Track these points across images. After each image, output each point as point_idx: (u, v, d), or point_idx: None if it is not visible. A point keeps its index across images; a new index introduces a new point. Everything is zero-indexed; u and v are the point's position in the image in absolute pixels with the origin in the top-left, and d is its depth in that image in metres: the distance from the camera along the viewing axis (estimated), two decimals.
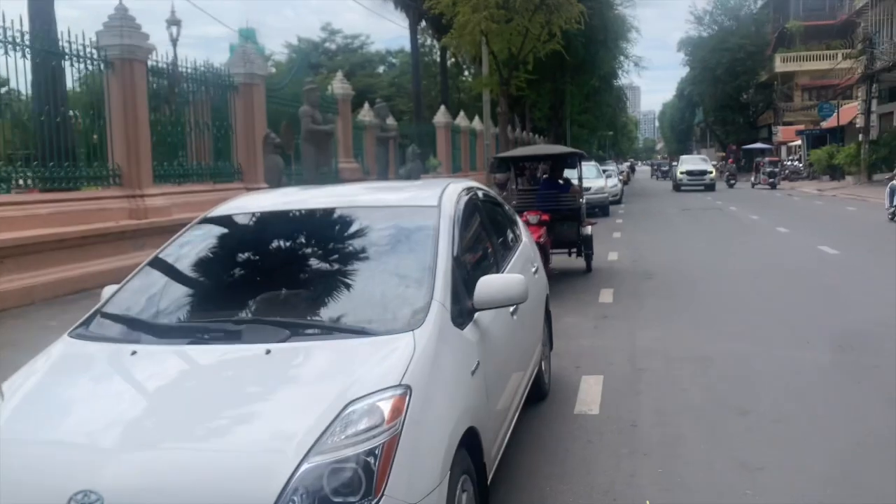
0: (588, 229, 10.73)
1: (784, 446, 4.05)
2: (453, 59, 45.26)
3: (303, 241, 3.48)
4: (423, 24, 37.48)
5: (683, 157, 43.79)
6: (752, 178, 40.87)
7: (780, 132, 54.58)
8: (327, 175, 18.28)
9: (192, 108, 12.00)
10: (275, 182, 14.71)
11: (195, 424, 2.35)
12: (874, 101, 34.15)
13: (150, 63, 10.57)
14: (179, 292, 3.30)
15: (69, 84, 9.88)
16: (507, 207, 5.06)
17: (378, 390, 2.38)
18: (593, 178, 23.33)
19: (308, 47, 55.31)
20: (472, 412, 2.77)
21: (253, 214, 3.71)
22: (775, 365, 5.66)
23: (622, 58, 45.21)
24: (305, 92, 16.86)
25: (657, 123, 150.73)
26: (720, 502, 3.44)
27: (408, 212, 3.52)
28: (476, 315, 3.08)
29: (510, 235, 4.71)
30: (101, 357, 2.83)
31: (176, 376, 2.68)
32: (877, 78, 33.56)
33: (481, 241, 3.89)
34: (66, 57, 9.36)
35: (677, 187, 37.46)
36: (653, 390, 5.14)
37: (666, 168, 60.69)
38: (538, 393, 4.84)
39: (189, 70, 11.78)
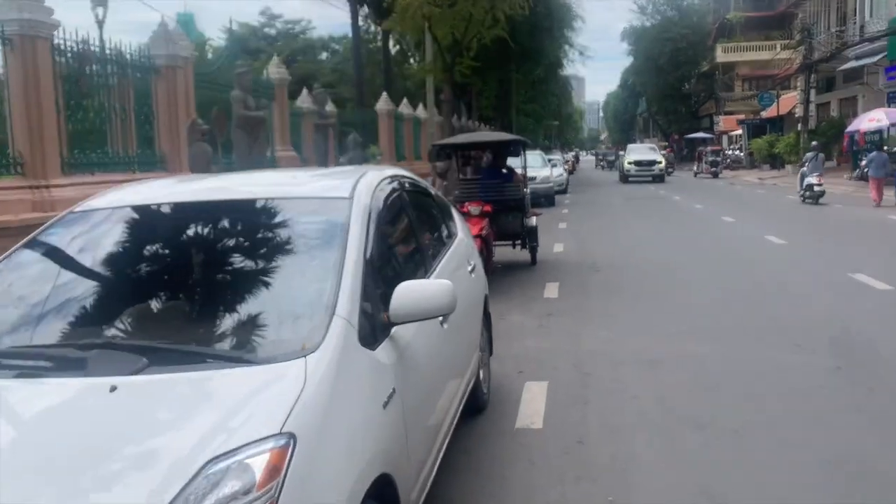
0: (533, 220, 10.28)
1: (747, 467, 3.61)
2: (398, 47, 44.51)
3: (182, 241, 2.85)
4: (366, 9, 36.60)
5: (631, 147, 41.09)
6: (695, 168, 41.30)
7: (722, 122, 55.43)
8: (261, 164, 17.46)
9: (114, 92, 11.09)
10: (201, 171, 13.85)
11: None
12: (812, 92, 34.74)
13: (56, 42, 9.62)
14: (22, 307, 2.64)
15: None
16: (439, 198, 4.50)
17: (250, 442, 1.81)
18: (539, 167, 23.01)
19: (247, 32, 53.66)
20: (384, 455, 2.22)
21: (127, 208, 3.04)
22: (731, 367, 5.26)
23: (567, 47, 45.31)
24: (237, 76, 15.93)
25: (601, 114, 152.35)
26: None
27: (314, 205, 2.95)
28: (393, 330, 2.53)
29: (443, 230, 4.16)
30: None
31: None
32: (815, 68, 34.12)
33: (406, 239, 3.34)
34: None
35: (624, 178, 35.37)
36: (601, 399, 4.67)
37: (612, 158, 58.70)
38: (476, 405, 4.33)
39: (106, 51, 10.83)
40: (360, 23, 42.14)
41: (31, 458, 1.85)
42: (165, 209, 3.02)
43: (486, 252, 8.67)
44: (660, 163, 35.24)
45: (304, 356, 2.08)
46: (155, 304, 2.55)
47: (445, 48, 23.00)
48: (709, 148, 43.45)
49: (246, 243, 2.78)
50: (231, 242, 2.82)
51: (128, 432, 1.91)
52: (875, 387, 4.70)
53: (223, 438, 1.81)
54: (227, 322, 2.40)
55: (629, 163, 35.45)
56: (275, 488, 1.73)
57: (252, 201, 2.96)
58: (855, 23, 31.18)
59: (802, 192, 20.21)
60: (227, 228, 2.86)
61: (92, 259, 2.81)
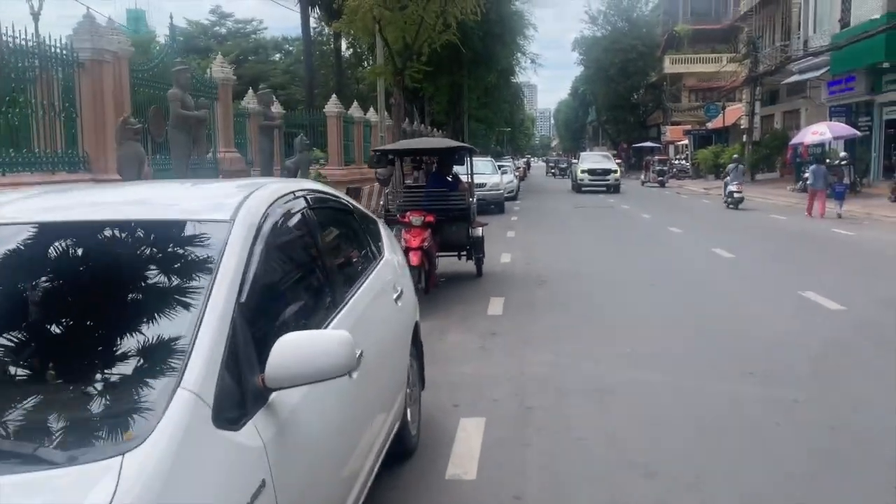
0: (479, 231, 9.85)
1: None
2: (351, 50, 43.86)
3: (4, 280, 2.18)
4: (318, 11, 35.86)
5: (584, 155, 38.58)
6: (643, 176, 41.62)
7: (669, 132, 56.21)
8: (201, 166, 16.67)
9: (35, 88, 10.26)
10: (132, 173, 13.05)
11: None
12: (757, 104, 35.33)
13: None
14: None
15: None
16: (363, 214, 3.98)
17: None
18: (489, 173, 22.70)
19: (196, 30, 52.21)
20: None
21: None
22: (683, 400, 4.88)
23: (519, 54, 45.31)
24: (174, 73, 15.14)
25: (552, 121, 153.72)
26: None
27: (181, 230, 2.32)
28: (273, 396, 2.00)
29: (365, 253, 3.66)
30: None
31: None
32: (760, 81, 34.71)
33: (307, 270, 2.80)
34: None
35: (577, 188, 33.06)
36: (543, 440, 4.22)
37: (564, 165, 56.25)
38: (403, 449, 3.83)
39: (18, 41, 9.99)
40: (314, 24, 41.42)
41: None
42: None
43: (427, 265, 8.21)
44: (615, 172, 33.08)
45: (122, 454, 1.51)
46: None
47: (396, 52, 22.47)
48: (656, 157, 43.87)
49: (79, 283, 2.16)
50: (59, 282, 2.19)
51: None
52: (836, 426, 4.36)
53: None
54: (28, 399, 1.78)
55: (583, 171, 33.19)
56: None
57: (97, 225, 2.30)
58: (799, 38, 31.78)
59: (726, 198, 22.87)
60: (62, 264, 2.23)
61: None
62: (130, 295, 2.08)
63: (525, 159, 67.51)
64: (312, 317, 2.55)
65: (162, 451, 1.55)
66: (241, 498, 1.69)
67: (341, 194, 3.78)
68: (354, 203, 3.89)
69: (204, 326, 1.86)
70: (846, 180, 24.05)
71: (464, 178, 10.21)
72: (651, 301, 8.29)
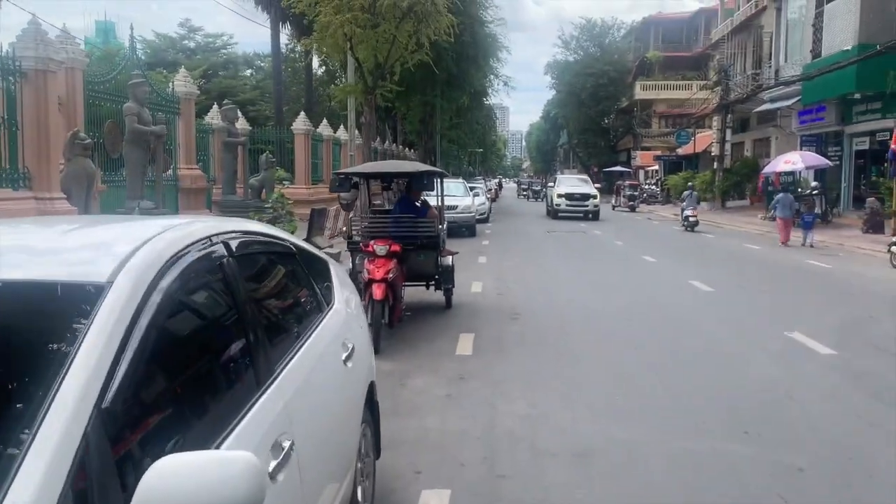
0: (449, 260, 9.28)
1: None
2: (324, 67, 43.33)
3: None
4: (288, 26, 35.32)
5: (560, 178, 35.33)
6: (613, 201, 41.51)
7: (639, 157, 56.54)
8: (159, 183, 15.89)
9: None
10: (81, 191, 12.29)
11: None
12: (728, 131, 35.48)
13: None
14: None
15: None
16: (309, 255, 3.37)
17: None
18: (460, 195, 22.22)
19: (164, 43, 51.22)
20: None
21: None
22: (674, 466, 4.33)
23: (492, 76, 45.17)
24: (131, 86, 14.47)
25: (524, 143, 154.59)
26: None
27: (36, 297, 1.68)
28: None
29: (307, 305, 3.06)
30: None
31: None
32: (731, 109, 34.88)
33: (219, 346, 2.17)
34: None
35: (553, 213, 30.39)
36: None
37: (537, 187, 54.70)
38: None
39: None
40: (286, 41, 40.82)
41: None
42: None
43: (392, 299, 7.61)
44: (594, 197, 30.38)
45: None
46: None
47: (368, 70, 21.96)
48: (627, 182, 43.88)
49: None
50: None
51: None
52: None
53: None
54: None
55: (559, 196, 30.46)
56: None
57: None
58: (770, 66, 32.02)
59: (682, 222, 24.96)
60: None
61: None
62: None
63: (497, 180, 67.24)
64: (221, 409, 1.94)
65: None
66: None
67: (283, 233, 3.17)
68: (299, 243, 3.29)
69: (38, 443, 1.27)
70: (817, 210, 24.13)
71: (433, 203, 9.66)
72: (630, 341, 7.76)
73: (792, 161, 23.36)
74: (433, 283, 9.33)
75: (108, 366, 1.49)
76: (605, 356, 7.07)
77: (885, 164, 23.30)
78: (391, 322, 7.69)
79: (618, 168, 52.97)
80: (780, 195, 19.94)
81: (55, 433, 1.31)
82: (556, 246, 19.06)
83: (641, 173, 55.87)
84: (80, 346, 1.48)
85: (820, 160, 24.08)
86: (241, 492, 1.41)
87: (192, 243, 2.11)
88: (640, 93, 55.84)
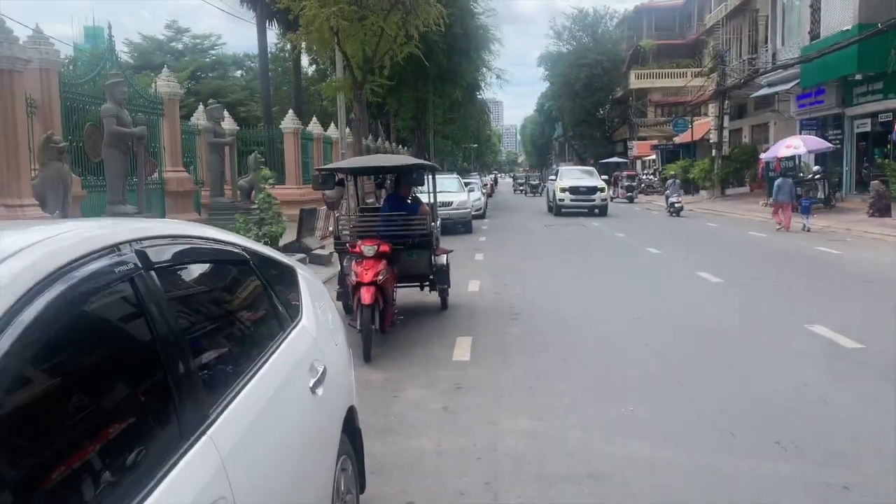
0: (443, 259, 8.74)
1: None
2: (314, 66, 42.74)
3: None
4: (276, 24, 34.72)
5: (563, 170, 31.95)
6: (611, 192, 40.93)
7: (636, 147, 55.98)
8: (142, 186, 15.32)
9: None
10: (56, 197, 11.72)
11: None
12: (726, 118, 34.94)
13: None
14: None
15: None
16: (269, 263, 2.82)
17: None
18: (455, 191, 21.68)
19: (151, 45, 50.58)
20: None
21: None
22: (702, 489, 3.79)
23: (485, 69, 44.58)
24: (108, 87, 13.89)
25: (519, 137, 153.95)
26: None
27: None
28: None
29: (262, 325, 2.52)
30: None
31: None
32: (728, 95, 34.33)
33: (124, 390, 1.64)
34: None
35: (556, 209, 27.53)
36: None
37: (535, 182, 53.01)
38: None
39: None
40: (276, 41, 40.21)
41: None
42: None
43: (382, 302, 7.06)
44: (602, 190, 27.68)
45: None
46: None
47: (356, 64, 21.37)
48: (624, 173, 43.36)
49: None
50: None
51: None
52: None
53: None
54: None
55: (563, 190, 27.40)
56: None
57: None
58: (767, 50, 31.46)
59: (668, 209, 26.50)
60: None
61: None
62: None
63: (492, 175, 66.61)
64: (123, 481, 1.41)
65: None
66: None
67: (235, 237, 2.62)
68: (257, 249, 2.74)
69: None
70: (820, 194, 23.66)
71: (425, 199, 9.12)
72: (640, 340, 7.22)
73: (794, 145, 22.83)
74: (427, 283, 8.80)
75: None
76: (613, 359, 6.52)
77: (889, 146, 22.85)
78: (383, 327, 7.14)
79: (614, 159, 52.45)
80: (780, 180, 19.71)
81: None
82: (555, 240, 18.52)
83: (639, 163, 55.34)
84: None
85: (822, 144, 23.57)
86: None
87: (87, 255, 1.57)
88: (634, 82, 55.30)
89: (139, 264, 1.74)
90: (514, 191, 57.30)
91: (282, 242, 13.09)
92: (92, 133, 14.31)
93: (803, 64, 25.75)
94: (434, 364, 6.48)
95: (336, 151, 28.47)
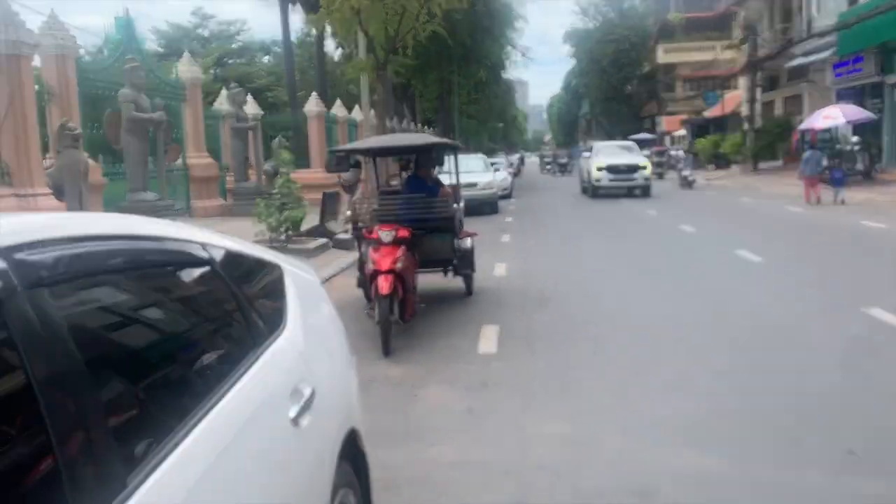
0: (467, 242, 8.24)
1: None
2: (340, 49, 42.24)
3: None
4: (298, 7, 34.25)
5: (598, 146, 28.08)
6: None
7: (664, 122, 54.75)
8: (160, 174, 15.02)
9: None
10: (73, 186, 11.44)
11: None
12: (758, 90, 33.78)
13: None
14: None
15: None
16: (235, 260, 2.32)
17: None
18: (480, 171, 21.11)
19: (178, 33, 50.40)
20: None
21: None
22: None
23: (510, 48, 43.69)
24: (125, 71, 13.61)
25: (545, 116, 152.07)
26: None
27: None
28: None
29: (221, 345, 2.05)
30: None
31: None
32: (760, 66, 33.15)
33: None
34: None
35: (593, 191, 24.41)
36: None
37: (564, 160, 49.14)
38: None
39: None
40: (302, 25, 39.74)
41: None
42: None
43: (402, 291, 6.59)
44: (644, 168, 24.40)
45: None
46: None
47: (379, 44, 20.82)
48: (654, 148, 42.31)
49: None
50: None
51: None
52: None
53: None
54: None
55: (600, 168, 24.29)
56: None
57: None
58: (801, 19, 30.24)
59: (680, 181, 27.82)
60: None
61: None
62: None
63: (519, 155, 65.54)
64: None
65: None
66: None
67: (191, 230, 2.13)
68: (226, 244, 2.26)
69: None
70: (859, 166, 22.65)
71: (445, 182, 8.62)
72: (680, 327, 6.68)
73: (832, 116, 21.86)
74: (451, 268, 8.33)
75: None
76: (653, 351, 6.00)
77: None
78: (403, 317, 6.68)
79: (642, 135, 51.18)
80: (808, 153, 19.06)
81: None
82: (584, 219, 17.92)
83: (667, 139, 54.08)
84: None
85: (862, 113, 22.53)
86: None
87: None
88: (662, 56, 54.03)
89: (13, 281, 1.23)
90: (542, 170, 55.53)
91: (304, 227, 12.72)
92: (112, 120, 14.01)
93: (841, 31, 24.65)
94: (458, 357, 6.03)
95: (361, 134, 28.00)
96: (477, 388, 5.22)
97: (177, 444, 1.47)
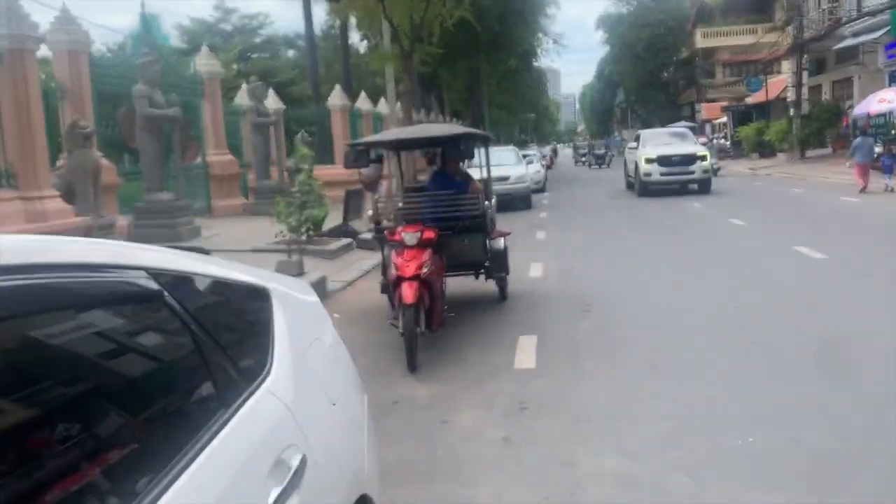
0: (500, 242, 7.56)
1: None
2: (365, 41, 41.71)
3: None
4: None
5: (645, 134, 23.99)
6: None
7: (704, 109, 53.09)
8: (183, 171, 14.61)
9: None
10: (86, 186, 11.03)
11: None
12: (804, 74, 32.37)
13: None
14: None
15: None
16: (196, 285, 1.70)
17: None
18: (512, 164, 20.28)
19: (200, 28, 50.36)
20: None
21: None
22: None
23: (541, 35, 42.60)
24: (139, 66, 13.13)
25: (577, 105, 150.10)
26: None
27: None
28: None
29: (170, 406, 1.42)
30: None
31: None
32: (806, 49, 31.74)
33: None
34: None
35: (642, 188, 20.93)
36: None
37: (601, 151, 46.23)
38: None
39: None
40: (326, 17, 39.24)
41: None
42: None
43: (428, 299, 5.95)
44: (703, 158, 20.81)
45: None
46: None
47: (404, 33, 20.15)
48: (697, 138, 40.91)
49: None
50: None
51: None
52: None
53: None
54: None
55: (649, 161, 20.68)
56: None
57: None
58: None
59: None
60: None
61: None
62: None
63: (551, 146, 64.30)
64: None
65: None
66: None
67: (146, 251, 1.50)
68: (189, 265, 1.63)
69: None
70: None
71: (477, 175, 7.94)
72: (743, 338, 5.91)
73: (887, 99, 20.67)
74: (482, 271, 7.65)
75: None
76: (715, 365, 5.26)
77: None
78: (430, 326, 6.04)
79: (682, 124, 49.77)
80: (858, 139, 18.27)
81: None
82: (624, 213, 17.09)
83: (707, 127, 52.51)
84: None
85: None
86: None
87: None
88: (700, 41, 52.34)
89: None
90: (576, 162, 53.79)
91: (326, 227, 12.14)
92: (127, 117, 13.57)
93: (894, 9, 23.31)
94: (492, 373, 5.37)
95: (386, 128, 27.34)
96: (515, 411, 4.57)
97: None
